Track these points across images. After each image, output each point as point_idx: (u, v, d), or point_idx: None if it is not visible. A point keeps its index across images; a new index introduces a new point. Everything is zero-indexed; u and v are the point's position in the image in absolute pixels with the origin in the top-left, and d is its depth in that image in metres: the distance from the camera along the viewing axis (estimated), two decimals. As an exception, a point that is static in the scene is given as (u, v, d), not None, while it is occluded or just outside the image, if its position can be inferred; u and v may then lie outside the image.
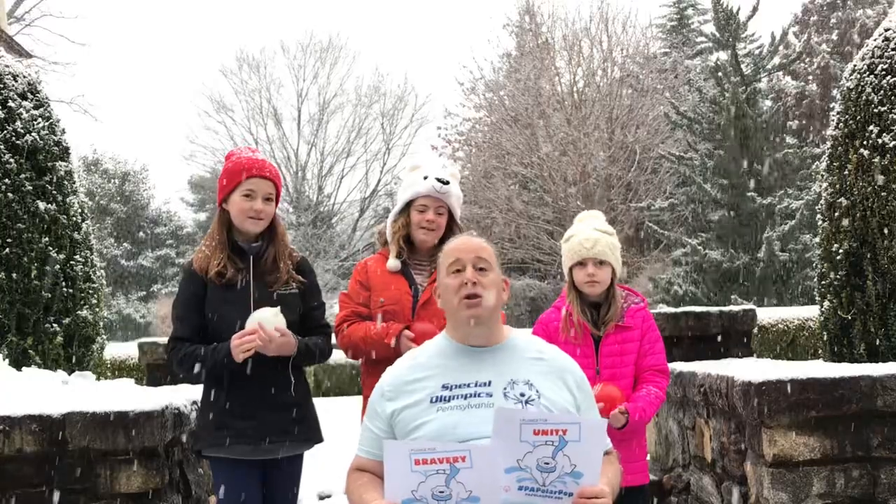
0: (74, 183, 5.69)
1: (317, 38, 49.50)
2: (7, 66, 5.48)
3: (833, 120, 5.21)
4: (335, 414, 6.10)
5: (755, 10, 21.91)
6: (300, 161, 36.13)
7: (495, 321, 2.32)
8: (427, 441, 2.07)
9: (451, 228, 3.51)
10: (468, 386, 2.22)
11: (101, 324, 5.87)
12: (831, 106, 5.41)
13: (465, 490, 2.00)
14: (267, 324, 2.99)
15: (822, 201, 5.22)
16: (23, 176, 5.25)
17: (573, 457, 2.03)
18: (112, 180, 36.57)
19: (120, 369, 12.78)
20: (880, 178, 4.62)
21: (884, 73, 4.78)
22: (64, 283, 5.33)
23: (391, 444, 2.06)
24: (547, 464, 2.03)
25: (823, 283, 5.16)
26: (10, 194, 5.15)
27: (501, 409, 2.07)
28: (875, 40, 4.99)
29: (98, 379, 5.43)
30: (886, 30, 4.95)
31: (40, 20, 27.65)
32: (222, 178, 3.19)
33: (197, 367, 3.04)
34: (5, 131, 5.26)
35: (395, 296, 3.40)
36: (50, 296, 5.23)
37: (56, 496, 3.21)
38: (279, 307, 3.05)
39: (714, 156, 20.82)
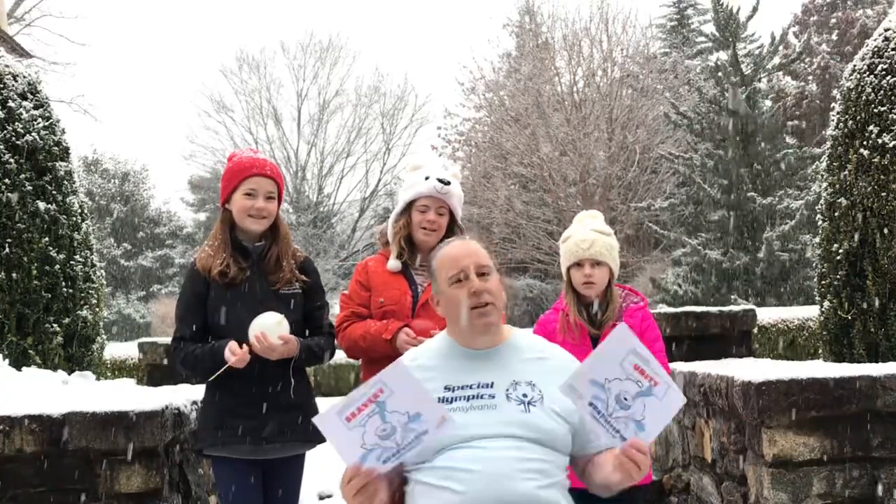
0: (74, 183, 5.69)
1: (317, 38, 49.49)
2: (7, 66, 5.48)
3: (833, 120, 5.22)
4: (335, 414, 6.09)
5: (755, 10, 21.91)
6: (300, 161, 36.14)
7: (499, 322, 2.32)
8: (345, 398, 2.08)
9: (452, 229, 3.51)
10: (470, 387, 2.21)
11: (101, 324, 5.87)
12: (831, 106, 5.41)
13: (401, 414, 2.03)
14: (270, 333, 2.99)
15: (822, 201, 5.22)
16: (23, 176, 5.25)
17: (648, 408, 2.07)
18: (112, 180, 36.56)
19: (120, 369, 12.78)
20: (880, 178, 4.63)
21: (884, 73, 4.78)
22: (64, 283, 5.33)
23: (320, 418, 2.08)
24: (625, 399, 2.07)
25: (823, 283, 5.16)
26: (10, 194, 5.15)
27: (623, 327, 2.10)
28: (875, 40, 4.99)
29: (98, 379, 5.43)
30: (886, 30, 4.95)
31: (40, 20, 27.64)
32: (224, 178, 3.21)
33: (200, 366, 3.05)
34: (5, 131, 5.26)
35: (395, 296, 3.40)
36: (50, 296, 5.24)
37: (56, 496, 3.22)
38: (282, 315, 3.05)
39: (714, 156, 20.82)
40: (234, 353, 2.98)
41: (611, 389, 2.06)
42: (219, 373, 3.00)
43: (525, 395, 2.19)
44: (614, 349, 2.06)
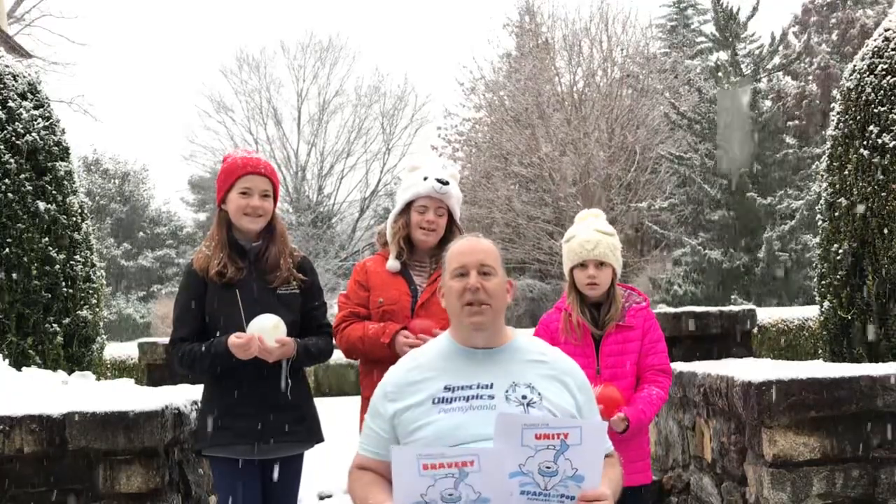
0: (74, 183, 5.69)
1: (317, 38, 49.52)
2: (7, 66, 5.48)
3: (833, 120, 5.22)
4: (335, 414, 6.08)
5: (755, 10, 21.93)
6: (300, 161, 36.13)
7: (498, 324, 2.32)
8: (434, 448, 2.07)
9: (451, 229, 3.51)
10: (470, 387, 2.21)
11: (101, 324, 5.87)
12: (831, 106, 5.41)
13: (475, 492, 2.01)
14: (267, 336, 2.99)
15: (822, 201, 5.22)
16: (23, 176, 5.26)
17: (574, 460, 2.03)
18: (112, 180, 36.59)
19: (120, 369, 12.78)
20: (880, 178, 4.63)
21: (884, 73, 4.78)
22: (64, 283, 5.33)
23: (398, 450, 2.05)
24: (549, 468, 2.03)
25: (823, 283, 5.16)
26: (10, 194, 5.15)
27: (503, 415, 2.07)
28: (875, 40, 4.99)
29: (98, 379, 5.43)
30: (886, 30, 4.95)
31: (40, 20, 27.63)
32: (219, 178, 3.22)
33: (198, 365, 3.05)
34: (5, 131, 5.26)
35: (394, 296, 3.40)
36: (50, 296, 5.24)
37: (56, 496, 3.22)
38: (279, 318, 3.05)
39: (714, 156, 20.82)
40: (238, 338, 2.97)
41: (530, 470, 2.03)
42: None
43: (524, 397, 2.19)
44: (508, 436, 2.03)
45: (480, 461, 1.99)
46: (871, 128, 4.74)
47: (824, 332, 5.23)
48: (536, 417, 2.11)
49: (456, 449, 2.04)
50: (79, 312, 5.43)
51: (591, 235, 3.36)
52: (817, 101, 26.33)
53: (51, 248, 5.27)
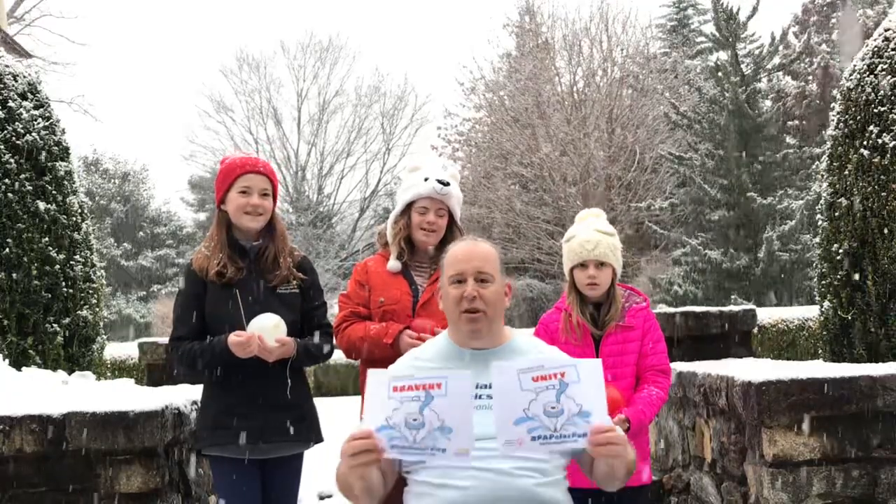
0: (74, 183, 5.69)
1: (317, 38, 49.44)
2: (7, 66, 5.49)
3: (833, 120, 5.22)
4: (335, 414, 6.08)
5: (755, 10, 21.91)
6: (300, 161, 36.13)
7: (496, 327, 2.33)
8: (408, 368, 2.06)
9: (452, 230, 3.51)
10: (468, 387, 2.21)
11: (101, 324, 5.87)
12: (831, 106, 5.41)
13: (438, 419, 2.01)
14: (267, 336, 2.99)
15: (822, 201, 5.22)
16: (23, 176, 5.26)
17: (577, 397, 2.04)
18: (112, 180, 36.58)
19: (120, 369, 12.78)
20: (880, 178, 4.63)
21: (884, 73, 4.78)
22: (64, 283, 5.33)
23: (374, 373, 2.06)
24: (553, 408, 2.04)
25: (823, 283, 5.16)
26: (10, 194, 5.15)
27: (497, 365, 2.08)
28: (875, 40, 4.99)
29: (98, 379, 5.43)
30: (886, 30, 4.95)
31: (40, 20, 27.61)
32: (218, 179, 3.23)
33: (198, 363, 3.05)
34: (5, 131, 5.26)
35: (395, 296, 3.40)
36: (50, 296, 5.24)
37: (56, 496, 3.22)
38: (279, 317, 3.05)
39: (714, 156, 20.82)
40: (238, 336, 2.97)
41: (536, 413, 2.03)
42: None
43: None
44: (507, 385, 2.03)
45: (448, 384, 2.00)
46: (871, 128, 4.74)
47: (824, 332, 5.23)
48: (530, 361, 2.11)
49: (426, 372, 2.05)
50: (79, 312, 5.44)
51: (591, 236, 3.35)
52: (817, 101, 26.32)
53: (51, 248, 5.28)
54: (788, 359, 10.43)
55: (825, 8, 30.42)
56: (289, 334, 3.07)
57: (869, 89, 4.83)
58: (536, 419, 2.03)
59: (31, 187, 5.27)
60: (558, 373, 2.03)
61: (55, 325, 5.25)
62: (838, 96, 5.26)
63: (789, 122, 23.95)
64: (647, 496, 3.41)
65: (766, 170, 20.82)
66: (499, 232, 24.59)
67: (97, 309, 5.71)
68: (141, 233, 36.13)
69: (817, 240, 5.42)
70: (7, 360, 4.71)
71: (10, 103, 5.33)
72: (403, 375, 2.02)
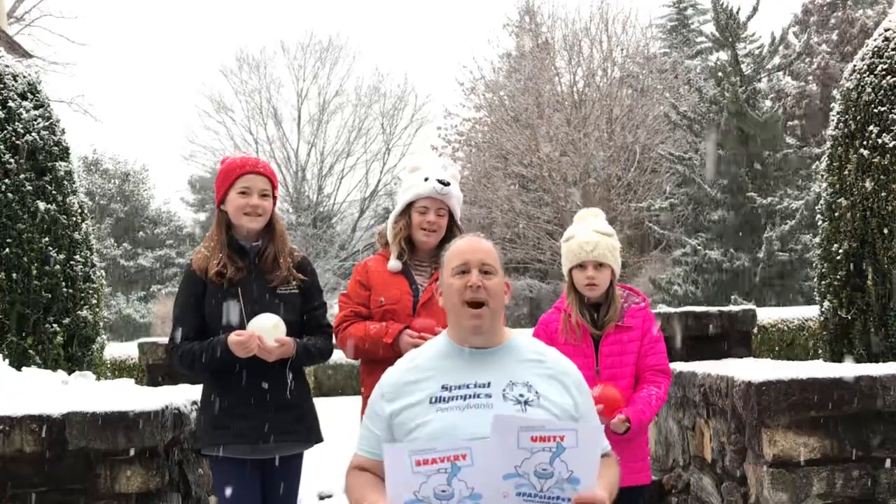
0: (74, 183, 5.69)
1: (317, 38, 49.38)
2: (7, 66, 5.49)
3: (833, 120, 5.22)
4: (335, 414, 6.10)
5: (755, 10, 21.93)
6: (300, 161, 36.13)
7: (496, 324, 2.32)
8: (426, 441, 2.06)
9: (452, 229, 3.51)
10: (467, 387, 2.21)
11: (101, 324, 5.87)
12: (831, 106, 5.41)
13: (468, 487, 2.00)
14: (267, 336, 2.99)
15: (822, 201, 5.22)
16: (23, 176, 5.26)
17: (570, 463, 2.03)
18: (112, 180, 36.57)
19: (120, 369, 12.79)
20: (880, 178, 4.63)
21: (884, 73, 4.78)
22: (64, 283, 5.33)
23: (390, 448, 2.05)
24: (545, 470, 2.03)
25: (823, 283, 5.16)
26: (10, 194, 5.15)
27: (499, 417, 2.06)
28: (875, 40, 4.99)
29: (98, 379, 5.43)
30: (886, 30, 4.95)
31: (40, 20, 27.63)
32: (218, 179, 3.24)
33: (198, 363, 3.05)
34: (5, 131, 5.26)
35: (395, 296, 3.40)
36: (50, 296, 5.24)
37: (56, 496, 3.21)
38: (279, 317, 3.05)
39: (714, 156, 20.83)
40: (238, 335, 2.98)
41: (526, 472, 2.02)
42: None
43: (521, 396, 2.19)
44: (504, 438, 2.02)
45: (473, 455, 1.99)
46: (871, 128, 4.75)
47: (824, 332, 5.24)
48: (533, 420, 2.10)
49: (448, 443, 2.03)
50: (79, 312, 5.44)
51: (590, 236, 3.36)
52: (817, 101, 26.34)
53: (51, 248, 5.28)
54: (788, 359, 10.42)
55: (825, 8, 30.42)
56: (289, 334, 3.08)
57: (869, 89, 4.83)
58: (525, 477, 2.03)
59: (31, 187, 5.27)
60: (558, 436, 2.03)
61: (55, 326, 5.25)
62: (838, 96, 5.26)
63: (789, 122, 23.94)
64: (647, 496, 3.42)
65: (766, 170, 20.82)
66: (499, 232, 24.59)
67: (97, 309, 5.71)
68: (141, 233, 36.12)
69: (817, 240, 5.42)
70: (7, 360, 4.71)
71: (10, 103, 5.33)
72: (425, 449, 2.01)
